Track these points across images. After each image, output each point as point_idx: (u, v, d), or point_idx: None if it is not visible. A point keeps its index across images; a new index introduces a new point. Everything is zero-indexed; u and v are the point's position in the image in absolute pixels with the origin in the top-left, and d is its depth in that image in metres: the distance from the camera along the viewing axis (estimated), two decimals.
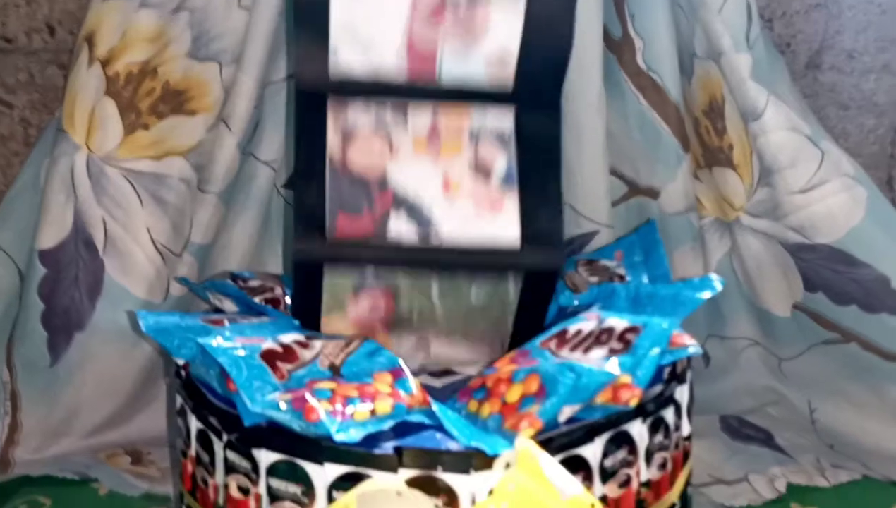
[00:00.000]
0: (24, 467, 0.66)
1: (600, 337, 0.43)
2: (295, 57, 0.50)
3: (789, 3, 0.78)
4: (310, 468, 0.40)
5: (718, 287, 0.47)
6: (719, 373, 0.76)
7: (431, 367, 0.52)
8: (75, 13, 0.74)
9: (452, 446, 0.39)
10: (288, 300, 0.57)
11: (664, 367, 0.46)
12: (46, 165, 0.69)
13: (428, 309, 0.51)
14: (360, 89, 0.50)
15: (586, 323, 0.45)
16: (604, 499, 0.41)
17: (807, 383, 0.73)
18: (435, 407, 0.41)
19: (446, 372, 0.52)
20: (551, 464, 0.37)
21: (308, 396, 0.40)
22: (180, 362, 0.48)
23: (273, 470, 0.41)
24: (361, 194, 0.49)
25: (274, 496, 0.41)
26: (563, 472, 0.37)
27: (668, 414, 0.45)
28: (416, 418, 0.41)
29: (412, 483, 0.39)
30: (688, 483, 0.48)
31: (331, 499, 0.39)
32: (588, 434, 0.41)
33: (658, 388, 0.45)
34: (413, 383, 0.42)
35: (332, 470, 0.40)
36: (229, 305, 0.55)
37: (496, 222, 0.50)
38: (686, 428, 0.47)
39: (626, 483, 0.42)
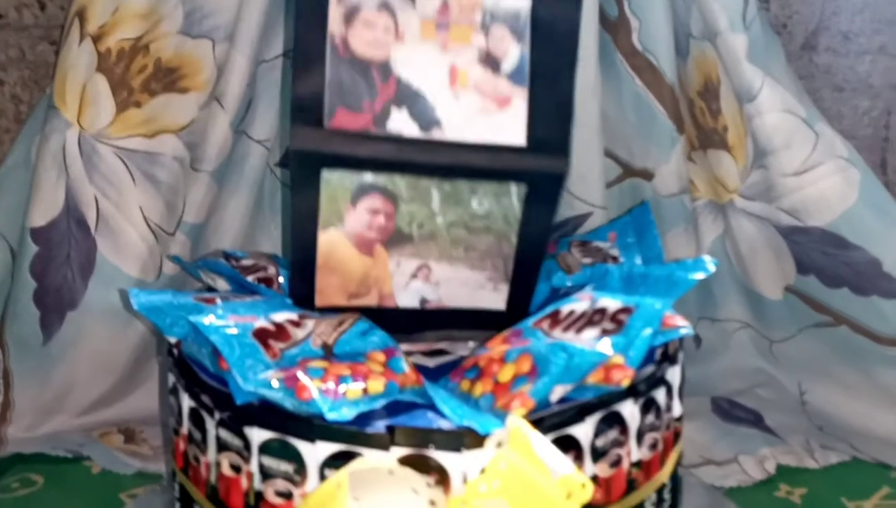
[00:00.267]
0: (16, 445, 0.66)
1: (593, 317, 0.43)
2: None
3: None
4: (302, 446, 0.40)
5: (712, 268, 0.47)
6: (710, 355, 0.76)
7: (430, 298, 0.51)
8: None
9: (444, 425, 0.39)
10: (282, 279, 0.56)
11: (656, 348, 0.46)
12: (38, 142, 0.68)
13: (429, 222, 0.49)
14: None
15: (579, 304, 0.45)
16: (595, 479, 0.42)
17: (797, 365, 0.73)
18: (427, 385, 0.41)
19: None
20: (543, 444, 0.37)
21: (300, 375, 0.40)
22: (172, 340, 0.48)
23: (265, 448, 0.41)
24: (362, 81, 0.46)
25: (266, 474, 0.41)
26: (555, 451, 0.37)
27: (660, 395, 0.45)
28: (408, 397, 0.41)
29: (404, 461, 0.39)
30: (678, 464, 0.48)
31: (323, 477, 0.40)
32: (579, 414, 0.41)
33: (650, 369, 0.45)
34: (406, 362, 0.42)
35: (324, 448, 0.40)
36: (222, 284, 0.55)
37: (502, 119, 0.47)
38: (677, 409, 0.47)
39: (616, 462, 0.43)
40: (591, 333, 0.42)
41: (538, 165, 0.48)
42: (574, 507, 0.37)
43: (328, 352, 0.44)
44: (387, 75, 0.46)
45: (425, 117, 0.47)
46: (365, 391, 0.40)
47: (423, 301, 0.51)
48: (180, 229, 0.70)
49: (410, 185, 0.48)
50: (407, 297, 0.51)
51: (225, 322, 0.43)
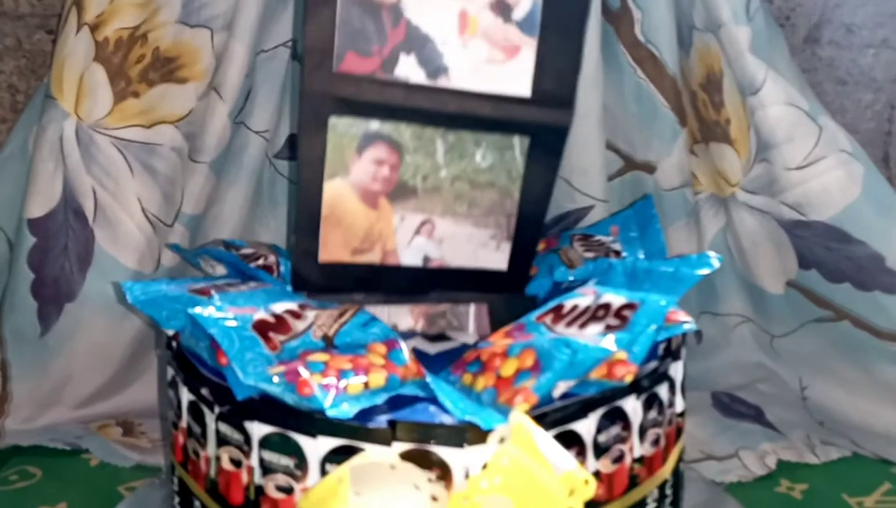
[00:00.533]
0: (14, 437, 0.66)
1: (597, 312, 0.43)
2: None
3: None
4: (303, 440, 0.40)
5: (716, 264, 0.46)
6: (711, 350, 0.76)
7: (433, 256, 0.51)
8: None
9: (446, 419, 0.39)
10: (283, 268, 0.56)
11: (659, 344, 0.46)
12: (34, 133, 0.68)
13: (433, 176, 0.49)
14: None
15: (583, 299, 0.45)
16: (597, 474, 0.41)
17: (798, 360, 0.73)
18: (429, 379, 0.40)
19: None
20: (546, 439, 0.37)
21: (301, 370, 0.40)
22: (171, 333, 0.48)
23: (265, 443, 0.41)
24: (372, 25, 0.46)
25: (266, 468, 0.41)
26: (558, 447, 0.37)
27: (663, 391, 0.45)
28: (410, 390, 0.41)
29: (406, 456, 0.38)
30: (680, 460, 0.48)
31: (324, 472, 0.39)
32: (582, 410, 0.41)
33: (653, 365, 0.45)
34: (407, 354, 0.42)
35: (325, 443, 0.39)
36: (221, 271, 0.55)
37: (509, 69, 0.47)
38: (679, 405, 0.47)
39: (619, 458, 0.42)
40: (594, 329, 0.42)
41: (542, 117, 0.48)
42: (577, 503, 0.37)
43: (329, 344, 0.43)
44: (397, 19, 0.46)
45: (433, 64, 0.47)
46: (366, 385, 0.40)
47: (426, 259, 0.51)
48: (179, 220, 0.69)
49: (415, 135, 0.48)
50: (410, 255, 0.51)
51: (224, 314, 0.43)
